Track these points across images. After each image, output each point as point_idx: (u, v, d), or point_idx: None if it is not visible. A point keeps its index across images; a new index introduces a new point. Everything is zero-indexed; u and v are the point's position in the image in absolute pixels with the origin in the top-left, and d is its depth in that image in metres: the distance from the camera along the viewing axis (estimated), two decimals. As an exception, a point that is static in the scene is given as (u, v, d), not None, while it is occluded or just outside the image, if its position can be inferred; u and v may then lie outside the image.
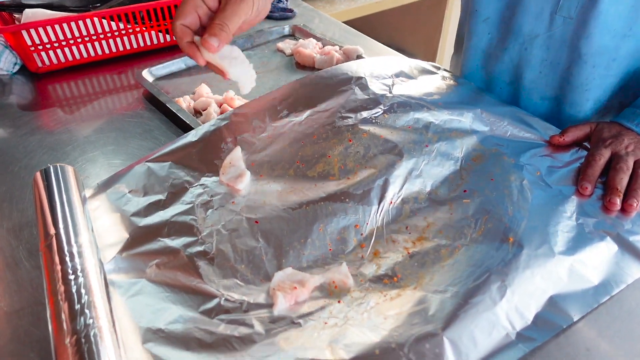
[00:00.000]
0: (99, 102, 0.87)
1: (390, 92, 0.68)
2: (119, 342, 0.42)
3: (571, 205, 0.56)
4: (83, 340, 0.40)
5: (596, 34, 0.63)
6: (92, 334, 0.40)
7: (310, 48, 0.95)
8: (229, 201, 0.57)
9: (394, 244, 0.53)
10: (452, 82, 0.73)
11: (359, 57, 0.91)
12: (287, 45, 1.00)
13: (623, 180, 0.58)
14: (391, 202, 0.57)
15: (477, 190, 0.58)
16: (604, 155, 0.60)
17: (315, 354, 0.42)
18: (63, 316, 0.42)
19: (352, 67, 0.73)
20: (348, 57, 0.93)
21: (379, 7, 1.61)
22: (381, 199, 0.57)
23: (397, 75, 0.71)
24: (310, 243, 0.53)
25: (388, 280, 0.50)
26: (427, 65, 0.74)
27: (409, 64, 0.74)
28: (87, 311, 0.42)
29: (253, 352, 0.43)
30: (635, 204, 0.56)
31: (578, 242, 0.52)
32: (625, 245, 0.52)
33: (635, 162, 0.59)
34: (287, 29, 1.07)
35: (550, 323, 0.45)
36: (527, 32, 0.68)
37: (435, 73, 0.73)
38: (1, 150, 0.74)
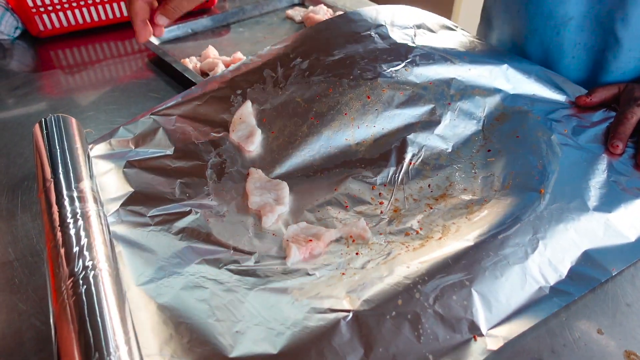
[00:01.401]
0: (102, 67, 0.84)
1: (413, 42, 0.64)
2: (120, 284, 0.38)
3: (602, 164, 0.53)
4: (81, 282, 0.36)
5: (634, 17, 0.60)
6: (91, 275, 0.37)
7: (321, 14, 0.91)
8: (240, 162, 0.54)
9: (415, 202, 0.50)
10: (475, 39, 0.69)
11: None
12: (296, 13, 0.96)
13: None
14: (411, 163, 0.54)
15: (502, 149, 0.55)
16: (636, 113, 0.57)
17: (332, 303, 0.39)
18: (60, 260, 0.38)
19: (372, 13, 0.68)
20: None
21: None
22: (400, 160, 0.54)
23: (419, 27, 0.67)
24: (325, 202, 0.50)
25: (410, 233, 0.46)
26: (446, 21, 0.70)
27: (430, 17, 0.70)
28: (86, 253, 0.38)
29: (262, 301, 0.40)
30: None
31: (612, 198, 0.49)
32: (662, 202, 0.49)
33: None
34: (296, -3, 1.04)
35: (587, 277, 0.42)
36: (560, 14, 0.64)
37: (454, 30, 0.69)
38: (-1, 108, 0.71)
